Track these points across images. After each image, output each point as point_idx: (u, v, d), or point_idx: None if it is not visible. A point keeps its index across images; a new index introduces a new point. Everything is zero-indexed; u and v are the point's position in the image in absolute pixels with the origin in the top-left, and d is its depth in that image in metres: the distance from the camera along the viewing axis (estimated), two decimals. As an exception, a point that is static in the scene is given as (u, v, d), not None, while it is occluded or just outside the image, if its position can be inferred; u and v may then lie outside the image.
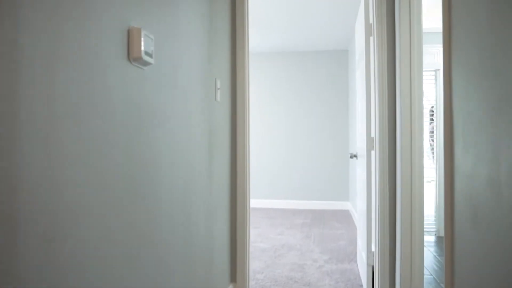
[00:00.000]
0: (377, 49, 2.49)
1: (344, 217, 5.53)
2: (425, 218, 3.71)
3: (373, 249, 2.75)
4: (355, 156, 3.36)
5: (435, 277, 3.13)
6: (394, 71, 2.48)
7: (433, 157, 4.50)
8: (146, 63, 1.25)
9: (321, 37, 5.57)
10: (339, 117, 6.19)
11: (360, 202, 3.33)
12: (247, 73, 2.58)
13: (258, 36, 5.50)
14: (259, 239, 4.24)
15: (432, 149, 4.52)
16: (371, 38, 2.68)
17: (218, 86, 2.22)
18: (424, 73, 4.30)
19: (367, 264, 2.68)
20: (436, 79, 4.33)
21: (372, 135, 2.64)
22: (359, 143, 3.26)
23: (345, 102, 6.17)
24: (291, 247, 3.92)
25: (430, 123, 4.49)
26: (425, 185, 4.51)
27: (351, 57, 5.80)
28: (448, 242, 1.57)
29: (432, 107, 4.42)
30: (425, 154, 4.32)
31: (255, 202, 6.34)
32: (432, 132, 4.47)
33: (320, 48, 6.14)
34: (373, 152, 2.63)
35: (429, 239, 4.25)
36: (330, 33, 5.37)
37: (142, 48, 1.18)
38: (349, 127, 6.12)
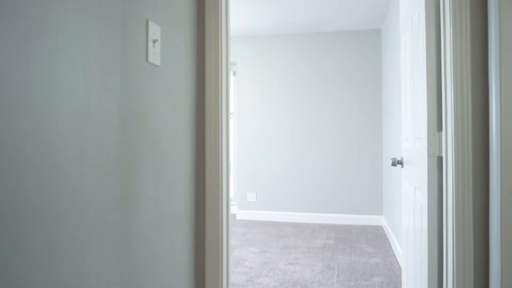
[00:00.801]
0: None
1: (378, 236, 4.40)
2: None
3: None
4: (400, 162, 2.27)
5: None
6: (485, 21, 1.38)
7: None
8: None
9: (346, 14, 4.47)
10: (370, 112, 5.06)
11: (406, 221, 2.24)
12: (224, 20, 1.54)
13: (263, 12, 4.46)
14: (265, 271, 3.20)
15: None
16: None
17: (155, 36, 1.19)
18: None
19: None
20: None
21: (438, 131, 1.55)
22: (406, 144, 2.17)
23: (378, 93, 5.04)
24: (306, 286, 2.86)
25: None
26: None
27: (385, 38, 4.67)
28: None
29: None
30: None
31: (265, 214, 5.29)
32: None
33: (345, 27, 5.04)
34: (436, 158, 1.55)
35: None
36: (358, 8, 4.26)
37: None
38: (384, 124, 4.98)
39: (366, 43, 5.09)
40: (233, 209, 5.69)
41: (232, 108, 5.75)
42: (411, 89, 1.95)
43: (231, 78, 5.71)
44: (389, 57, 4.30)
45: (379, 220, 5.00)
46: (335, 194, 5.13)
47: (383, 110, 4.97)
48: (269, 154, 5.31)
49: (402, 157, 2.28)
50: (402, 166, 2.29)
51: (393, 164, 2.24)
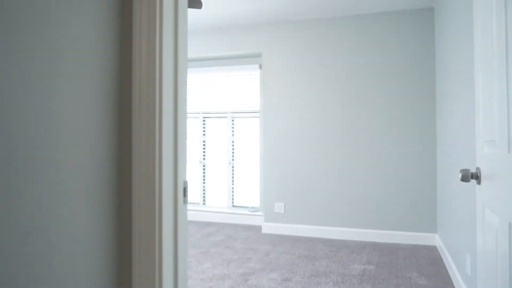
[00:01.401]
0: None
1: (431, 261, 3.56)
2: None
3: None
4: (476, 176, 1.50)
5: None
6: None
7: None
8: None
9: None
10: (421, 109, 4.20)
11: (489, 266, 1.48)
12: None
13: (296, -10, 3.74)
14: (285, 311, 2.49)
15: None
16: None
17: None
18: None
19: None
20: None
21: None
22: (489, 149, 1.39)
23: (430, 85, 4.18)
24: (337, 338, 2.12)
25: None
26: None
27: (440, 17, 3.82)
28: None
29: None
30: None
31: (294, 228, 4.56)
32: None
33: (390, 7, 4.22)
34: None
35: None
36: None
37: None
38: (438, 123, 4.12)
39: (415, 26, 4.24)
40: (259, 221, 5.02)
41: (257, 107, 5.08)
42: (502, 63, 1.19)
43: (258, 72, 5.05)
44: (448, 39, 3.45)
45: (432, 239, 4.12)
46: (378, 206, 4.31)
47: (437, 106, 4.10)
48: (300, 159, 4.58)
49: (478, 169, 1.51)
50: (479, 182, 1.51)
51: (464, 179, 1.48)
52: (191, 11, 4.31)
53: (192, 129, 5.40)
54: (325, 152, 4.49)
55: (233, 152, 5.21)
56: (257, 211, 5.08)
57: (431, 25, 4.18)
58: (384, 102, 4.31)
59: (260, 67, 5.01)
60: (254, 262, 3.53)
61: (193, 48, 5.00)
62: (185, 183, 0.94)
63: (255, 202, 5.12)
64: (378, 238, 4.28)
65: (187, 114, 5.41)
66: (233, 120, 5.22)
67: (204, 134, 5.34)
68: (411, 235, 4.18)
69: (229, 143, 5.22)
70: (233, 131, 5.22)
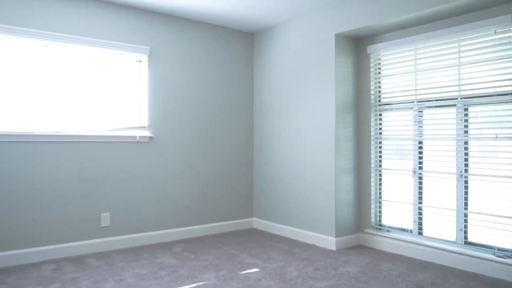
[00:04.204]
0: None
1: None
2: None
3: None
4: None
5: None
6: None
7: None
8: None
9: None
10: None
11: None
12: None
13: None
14: None
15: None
16: None
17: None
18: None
19: None
20: None
21: None
22: None
23: None
24: None
25: None
26: None
27: None
28: None
29: None
30: None
31: None
32: None
33: None
34: None
35: None
36: None
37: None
38: None
39: None
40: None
41: (508, 88, 3.07)
42: None
43: (509, 29, 3.04)
44: None
45: None
46: None
47: None
48: None
49: None
50: None
51: None
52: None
53: (402, 124, 3.85)
54: None
55: (466, 159, 3.37)
56: (510, 257, 3.07)
57: None
58: None
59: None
60: None
61: (395, 6, 3.47)
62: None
63: (507, 240, 3.12)
64: None
65: (396, 104, 3.89)
66: (466, 110, 3.39)
67: (420, 133, 3.70)
68: None
69: (460, 144, 3.40)
70: (466, 126, 3.38)
